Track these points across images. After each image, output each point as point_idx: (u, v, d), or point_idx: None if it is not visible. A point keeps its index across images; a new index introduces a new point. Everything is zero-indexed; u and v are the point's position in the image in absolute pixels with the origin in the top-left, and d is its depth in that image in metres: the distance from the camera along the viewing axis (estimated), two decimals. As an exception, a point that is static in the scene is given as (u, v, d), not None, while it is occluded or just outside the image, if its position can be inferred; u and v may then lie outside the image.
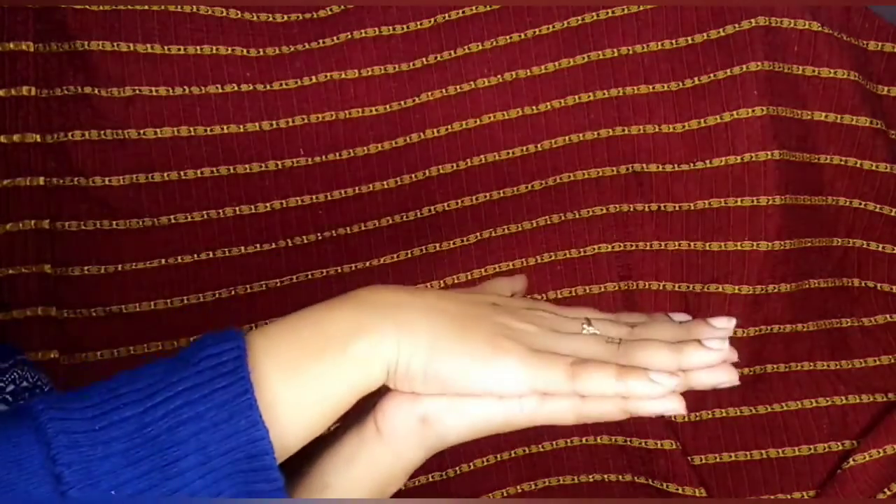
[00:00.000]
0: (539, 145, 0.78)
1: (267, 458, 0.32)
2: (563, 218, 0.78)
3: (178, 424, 0.31)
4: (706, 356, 0.36)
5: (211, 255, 0.72)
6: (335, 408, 0.35)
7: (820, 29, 0.76)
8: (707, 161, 0.77)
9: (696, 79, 0.77)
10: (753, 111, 0.75)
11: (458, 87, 0.77)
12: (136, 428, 0.31)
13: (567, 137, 0.78)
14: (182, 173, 0.71)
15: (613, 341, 0.38)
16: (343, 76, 0.76)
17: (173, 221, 0.71)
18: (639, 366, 0.36)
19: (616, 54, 0.78)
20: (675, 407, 0.35)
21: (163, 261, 0.71)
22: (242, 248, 0.73)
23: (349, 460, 0.38)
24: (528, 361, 0.36)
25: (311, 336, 0.35)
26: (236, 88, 0.73)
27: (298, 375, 0.34)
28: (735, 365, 0.37)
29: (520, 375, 0.35)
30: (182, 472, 0.31)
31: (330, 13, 0.76)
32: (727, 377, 0.36)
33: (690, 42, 0.77)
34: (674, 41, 0.77)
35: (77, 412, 0.31)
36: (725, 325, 0.37)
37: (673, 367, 0.36)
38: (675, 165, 0.78)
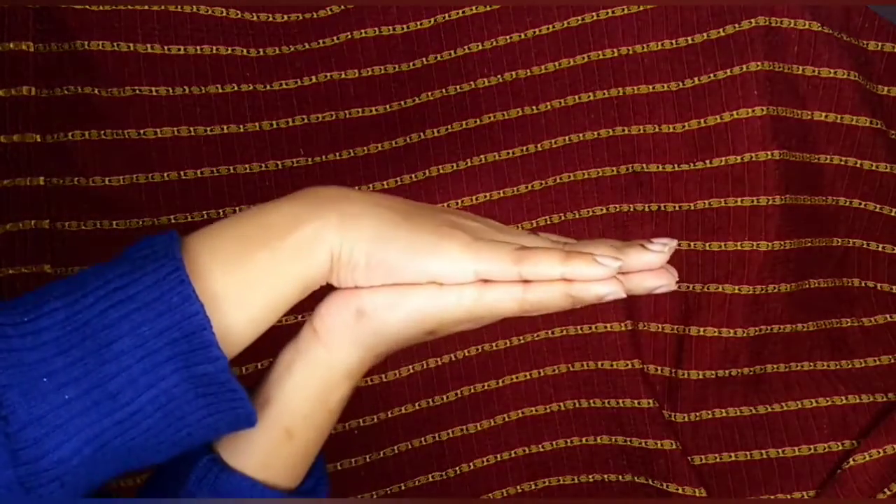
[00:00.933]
0: (539, 145, 0.78)
1: (205, 333, 0.31)
2: (563, 218, 0.78)
3: (109, 308, 0.30)
4: (648, 257, 0.36)
5: (211, 255, 0.72)
6: (280, 300, 0.34)
7: (820, 29, 0.76)
8: (707, 161, 0.77)
9: (696, 79, 0.77)
10: (753, 111, 0.75)
11: (458, 87, 0.77)
12: (67, 316, 0.30)
13: (567, 137, 0.78)
14: (182, 173, 0.71)
15: (559, 242, 0.38)
16: (343, 76, 0.76)
17: (173, 221, 0.71)
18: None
19: (616, 54, 0.78)
20: (617, 290, 0.35)
21: (163, 261, 0.71)
22: (242, 248, 0.73)
23: (287, 368, 0.37)
24: (472, 246, 0.35)
25: (252, 229, 0.34)
26: (236, 88, 0.73)
27: (240, 266, 0.33)
28: (677, 286, 0.38)
29: (464, 260, 0.35)
30: (117, 356, 0.30)
31: (330, 13, 0.76)
32: (665, 280, 0.37)
33: (690, 42, 0.77)
34: (674, 41, 0.77)
35: (6, 309, 0.30)
36: (667, 241, 0.38)
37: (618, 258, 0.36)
38: (675, 165, 0.78)
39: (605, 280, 0.35)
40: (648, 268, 0.36)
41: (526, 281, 0.35)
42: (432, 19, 0.77)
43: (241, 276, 0.33)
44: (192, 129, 0.72)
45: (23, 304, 0.30)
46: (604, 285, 0.35)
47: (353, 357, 0.37)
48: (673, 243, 0.37)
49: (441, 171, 0.77)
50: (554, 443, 0.77)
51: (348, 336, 0.37)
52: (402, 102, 0.77)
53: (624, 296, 0.35)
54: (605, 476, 0.77)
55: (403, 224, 0.36)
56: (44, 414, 0.28)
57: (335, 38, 0.76)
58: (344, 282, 0.36)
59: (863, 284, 0.80)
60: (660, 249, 0.36)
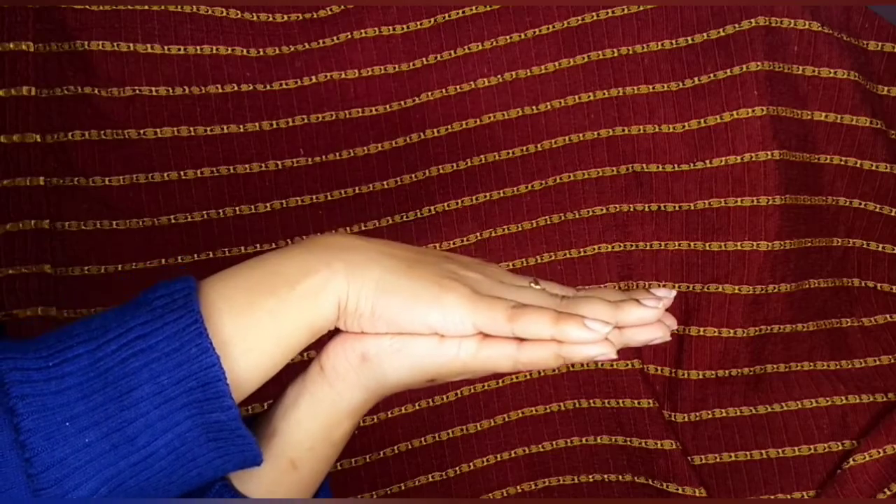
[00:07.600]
0: (539, 145, 0.78)
1: (219, 384, 0.32)
2: (563, 218, 0.78)
3: (130, 356, 0.32)
4: (642, 313, 0.37)
5: (211, 255, 0.72)
6: (289, 346, 0.36)
7: (820, 29, 0.76)
8: (707, 161, 0.77)
9: (696, 79, 0.77)
10: (753, 111, 0.75)
11: (458, 87, 0.77)
12: (90, 363, 0.31)
13: (567, 137, 0.78)
14: (182, 173, 0.71)
15: (557, 296, 0.39)
16: (343, 76, 0.76)
17: (173, 221, 0.71)
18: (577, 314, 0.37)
19: (616, 54, 0.78)
20: (606, 351, 0.36)
21: (163, 261, 0.71)
22: (242, 248, 0.73)
23: (293, 403, 0.39)
24: (471, 300, 0.37)
25: (262, 277, 0.36)
26: (236, 88, 0.73)
27: (250, 313, 0.35)
28: (671, 329, 0.38)
29: (463, 314, 0.36)
30: (136, 403, 0.31)
31: (330, 13, 0.76)
32: (660, 333, 0.38)
33: (690, 42, 0.77)
34: (674, 41, 0.77)
35: (31, 352, 0.31)
36: (665, 294, 0.38)
37: (610, 321, 0.37)
38: (675, 165, 0.78)
39: (595, 342, 0.36)
40: (643, 323, 0.37)
41: (522, 339, 0.36)
42: (432, 19, 0.77)
43: (250, 322, 0.35)
44: (192, 129, 0.72)
45: (46, 348, 0.32)
46: (593, 347, 0.36)
47: (356, 398, 0.39)
48: (671, 295, 0.38)
49: (441, 171, 0.77)
50: (554, 443, 0.77)
51: (352, 378, 0.38)
52: (402, 102, 0.77)
53: (614, 357, 0.36)
54: (605, 476, 0.77)
55: (407, 273, 0.37)
56: (65, 457, 0.30)
57: (335, 38, 0.76)
58: (351, 327, 0.38)
59: (863, 284, 0.80)
60: (654, 305, 0.37)
